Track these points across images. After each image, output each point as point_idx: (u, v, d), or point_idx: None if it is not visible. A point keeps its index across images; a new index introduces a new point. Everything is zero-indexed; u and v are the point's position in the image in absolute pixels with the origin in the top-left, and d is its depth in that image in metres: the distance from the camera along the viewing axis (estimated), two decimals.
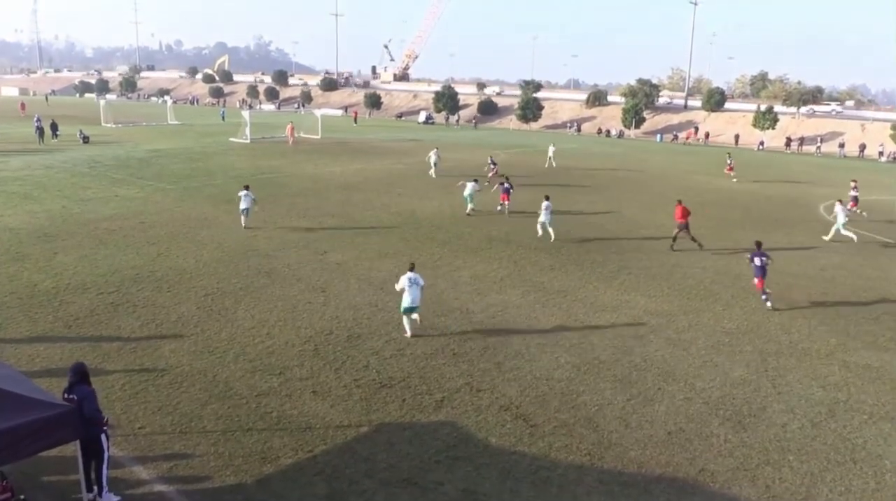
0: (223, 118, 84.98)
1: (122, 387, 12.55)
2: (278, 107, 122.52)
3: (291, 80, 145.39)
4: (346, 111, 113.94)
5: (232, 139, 58.79)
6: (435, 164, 41.14)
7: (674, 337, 16.04)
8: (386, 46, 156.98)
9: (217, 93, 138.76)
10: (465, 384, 13.24)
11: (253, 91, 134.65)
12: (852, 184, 35.00)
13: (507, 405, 12.48)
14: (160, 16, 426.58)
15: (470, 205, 29.81)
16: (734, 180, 44.67)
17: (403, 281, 15.14)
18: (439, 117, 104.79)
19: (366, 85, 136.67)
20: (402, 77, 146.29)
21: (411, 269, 15.56)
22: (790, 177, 48.09)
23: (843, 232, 27.07)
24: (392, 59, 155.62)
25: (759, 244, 19.20)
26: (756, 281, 18.57)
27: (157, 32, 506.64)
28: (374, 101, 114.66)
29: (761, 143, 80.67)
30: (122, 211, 27.57)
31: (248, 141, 57.44)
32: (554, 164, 48.47)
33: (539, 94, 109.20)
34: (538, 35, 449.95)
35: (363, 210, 29.44)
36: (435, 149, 42.95)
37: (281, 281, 18.99)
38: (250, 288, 18.28)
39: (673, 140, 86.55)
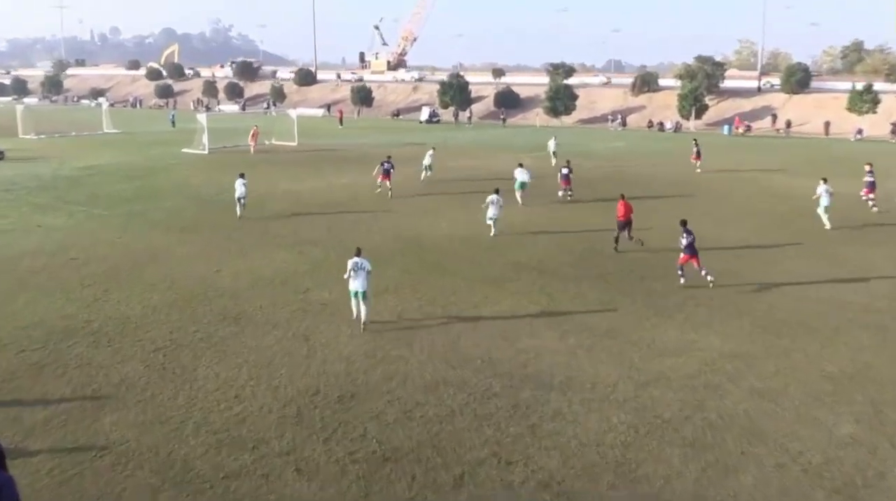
0: (173, 124, 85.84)
1: (50, 472, 12.46)
2: (243, 108, 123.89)
3: (266, 72, 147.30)
4: (328, 110, 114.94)
5: (185, 150, 59.30)
6: (428, 168, 43.69)
7: (758, 387, 15.85)
8: (377, 27, 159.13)
9: (165, 93, 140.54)
10: (491, 454, 13.09)
11: (211, 88, 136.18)
12: (867, 167, 36.43)
13: (547, 481, 12.31)
14: None
15: (519, 194, 35.91)
16: (698, 170, 49.66)
17: (349, 266, 18.80)
18: (446, 114, 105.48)
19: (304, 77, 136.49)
20: (398, 65, 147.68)
21: (357, 254, 18.97)
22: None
23: (820, 212, 31.73)
24: (385, 44, 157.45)
25: (684, 222, 23.09)
26: (682, 256, 22.82)
27: (87, 18, 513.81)
28: (363, 97, 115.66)
29: (859, 132, 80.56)
30: (47, 244, 27.70)
31: (206, 151, 57.93)
32: (553, 163, 50.02)
33: (571, 81, 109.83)
34: (568, 7, 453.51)
35: (354, 235, 29.47)
36: (431, 150, 45.48)
37: (252, 328, 18.96)
38: (213, 338, 18.25)
39: (745, 132, 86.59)
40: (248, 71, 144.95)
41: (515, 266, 25.15)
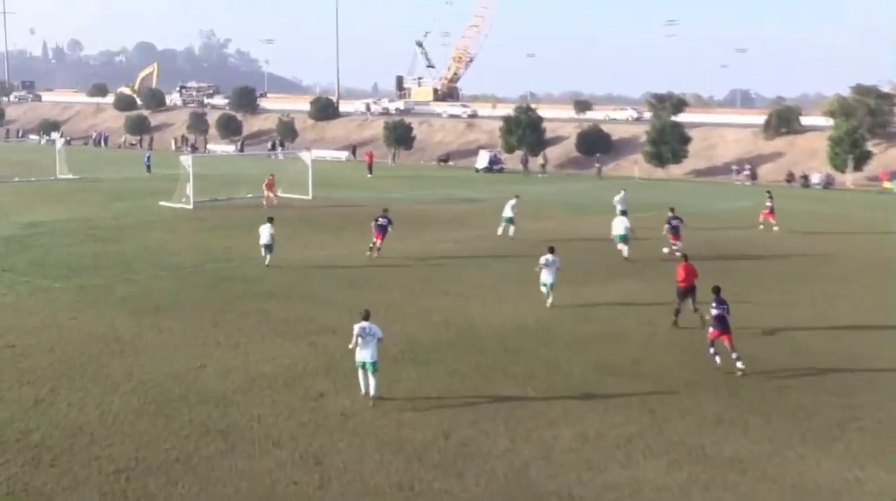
0: (149, 168, 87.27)
1: None
2: (240, 148, 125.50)
3: (267, 104, 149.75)
4: (353, 153, 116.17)
5: (164, 203, 60.11)
6: (510, 221, 46.40)
7: None
8: (420, 44, 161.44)
9: (139, 127, 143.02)
10: None
11: (199, 122, 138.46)
12: None
13: None
14: (46, 4, 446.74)
15: (624, 246, 40.94)
16: (775, 228, 52.12)
17: (355, 332, 21.50)
18: (512, 159, 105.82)
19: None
20: (448, 93, 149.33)
21: (365, 318, 21.79)
22: None
23: None
24: (430, 65, 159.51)
25: (717, 290, 25.37)
26: (711, 331, 24.85)
27: (40, 28, 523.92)
28: (400, 136, 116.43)
29: None
30: None
31: (191, 205, 58.63)
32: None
33: (683, 117, 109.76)
34: (678, 19, 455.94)
35: (385, 321, 29.35)
36: (514, 199, 47.56)
37: (246, 446, 18.92)
38: (193, 459, 18.23)
39: None
40: (247, 101, 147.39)
41: (604, 367, 24.95)
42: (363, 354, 21.46)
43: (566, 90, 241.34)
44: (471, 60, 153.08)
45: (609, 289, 34.64)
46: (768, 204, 53.22)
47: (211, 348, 26.11)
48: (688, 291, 29.31)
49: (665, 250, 40.12)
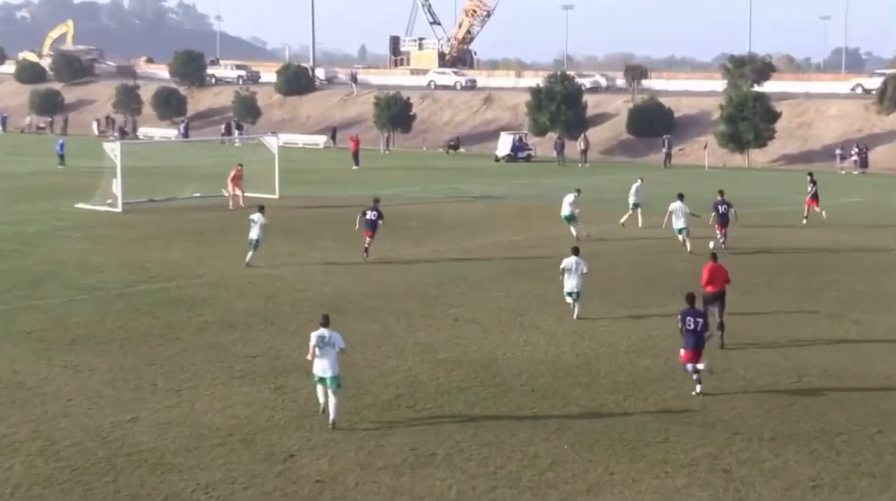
0: (62, 159, 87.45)
1: None
2: (185, 133, 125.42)
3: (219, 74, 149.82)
4: (333, 138, 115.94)
5: (82, 205, 60.35)
6: (570, 219, 48.67)
7: None
8: None
9: (50, 105, 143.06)
10: None
11: (128, 97, 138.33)
12: None
13: None
14: None
15: (685, 238, 45.12)
16: (823, 213, 56.28)
17: (313, 341, 23.35)
18: (543, 144, 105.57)
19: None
20: (459, 59, 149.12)
21: (324, 324, 23.58)
22: None
23: None
24: (435, 22, 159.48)
25: (691, 298, 26.98)
26: (683, 353, 26.09)
27: None
28: (396, 115, 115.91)
29: None
30: None
31: (119, 208, 58.71)
32: (639, 221, 53.68)
33: (769, 86, 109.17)
34: None
35: (375, 357, 29.50)
36: (573, 194, 49.23)
37: None
38: None
39: None
40: (193, 70, 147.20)
41: (663, 414, 24.89)
42: (321, 367, 23.31)
43: (613, 52, 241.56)
44: (488, 14, 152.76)
45: (672, 310, 34.52)
46: (811, 189, 56.25)
47: (145, 394, 26.01)
48: (715, 298, 30.68)
49: (711, 244, 41.99)
